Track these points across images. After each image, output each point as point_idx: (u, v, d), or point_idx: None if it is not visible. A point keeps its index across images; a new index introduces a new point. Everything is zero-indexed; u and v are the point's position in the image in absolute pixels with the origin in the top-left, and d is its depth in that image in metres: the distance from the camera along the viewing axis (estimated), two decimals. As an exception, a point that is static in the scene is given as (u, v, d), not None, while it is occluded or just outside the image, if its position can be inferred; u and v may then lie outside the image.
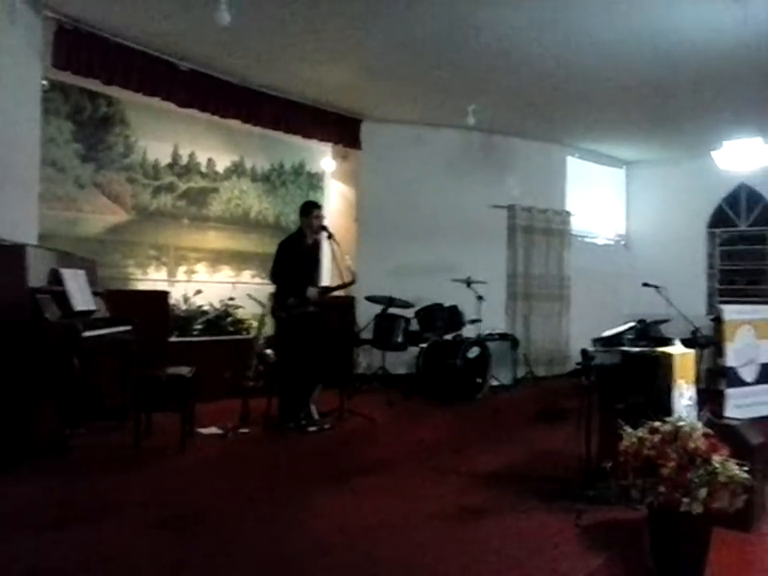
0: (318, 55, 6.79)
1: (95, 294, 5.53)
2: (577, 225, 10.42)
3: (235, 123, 7.76)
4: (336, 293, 6.29)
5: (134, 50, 6.42)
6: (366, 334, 7.90)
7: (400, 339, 7.89)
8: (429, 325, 8.08)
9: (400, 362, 8.46)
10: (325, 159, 9.31)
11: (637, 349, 4.96)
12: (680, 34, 5.79)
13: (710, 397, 6.49)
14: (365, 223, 8.95)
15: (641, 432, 3.89)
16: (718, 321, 7.35)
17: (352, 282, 6.00)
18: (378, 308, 7.96)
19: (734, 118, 5.70)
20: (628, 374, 4.80)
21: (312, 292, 5.81)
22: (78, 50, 5.99)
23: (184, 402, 5.01)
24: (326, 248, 6.96)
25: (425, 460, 5.73)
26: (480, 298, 8.29)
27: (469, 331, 8.29)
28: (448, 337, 8.08)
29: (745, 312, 7.51)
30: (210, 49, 6.58)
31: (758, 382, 7.22)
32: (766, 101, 6.49)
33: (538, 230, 9.86)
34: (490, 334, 8.51)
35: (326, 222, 6.17)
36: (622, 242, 11.32)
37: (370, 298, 7.94)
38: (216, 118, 7.50)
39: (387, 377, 8.01)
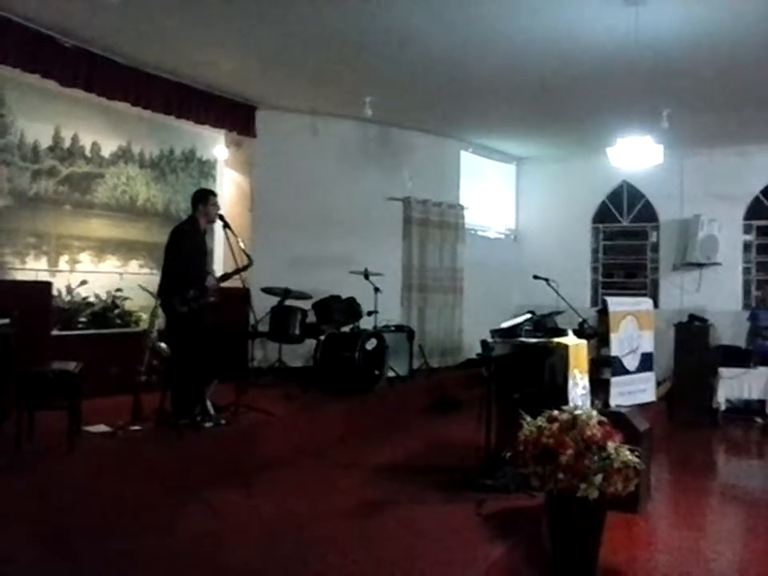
0: (213, 39, 6.54)
1: (-32, 284, 5.12)
2: (470, 218, 10.61)
3: (123, 106, 7.36)
4: (231, 283, 6.09)
5: (12, 22, 5.91)
6: (263, 327, 7.72)
7: (297, 331, 7.78)
8: (326, 317, 8.00)
9: (297, 355, 8.34)
10: (218, 146, 9.03)
11: (534, 340, 5.10)
12: (572, 34, 5.95)
13: (594, 385, 6.80)
14: (260, 213, 8.76)
15: (540, 421, 4.00)
16: (603, 312, 7.72)
17: (249, 265, 5.86)
18: (274, 300, 7.81)
19: (617, 118, 5.97)
20: (526, 364, 4.93)
21: (211, 281, 5.62)
22: (-54, 19, 5.51)
23: (71, 399, 4.71)
24: (218, 237, 6.75)
25: (324, 454, 5.69)
26: (377, 289, 8.30)
27: (366, 323, 8.28)
28: (345, 329, 8.04)
29: (627, 304, 7.91)
30: (98, 26, 6.18)
31: (639, 370, 7.64)
32: (653, 101, 6.81)
33: (433, 223, 9.97)
34: (387, 326, 8.53)
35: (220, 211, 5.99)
36: (512, 236, 11.65)
37: (266, 290, 7.79)
38: (102, 99, 7.08)
39: (284, 370, 7.88)
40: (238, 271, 5.81)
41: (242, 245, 5.96)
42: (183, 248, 5.60)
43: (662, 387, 8.85)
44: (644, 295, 9.83)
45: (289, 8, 5.72)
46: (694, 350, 8.41)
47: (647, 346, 7.91)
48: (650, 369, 7.89)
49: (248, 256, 5.87)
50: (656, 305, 9.66)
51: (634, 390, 7.60)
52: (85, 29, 6.26)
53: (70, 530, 3.77)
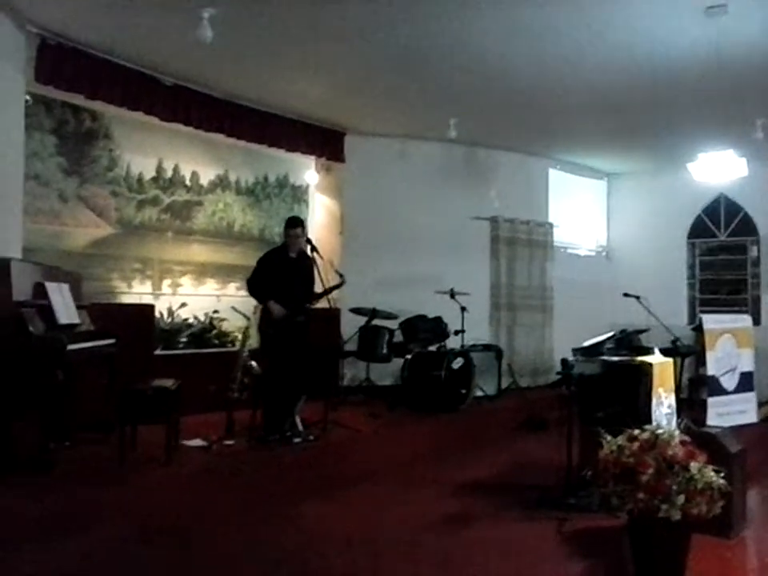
0: (300, 69, 6.85)
1: (79, 307, 5.53)
2: (559, 236, 10.52)
3: (219, 136, 7.80)
4: (321, 304, 6.30)
5: (117, 65, 6.45)
6: (351, 346, 7.93)
7: (384, 351, 7.93)
8: (413, 336, 8.12)
9: (385, 374, 8.49)
10: (309, 172, 9.34)
11: (616, 358, 5.02)
12: (654, 48, 5.90)
13: (692, 405, 6.57)
14: (349, 236, 9.00)
15: (620, 440, 3.95)
16: (699, 330, 7.48)
17: (341, 284, 6.06)
18: (362, 320, 8.00)
19: (707, 130, 5.84)
20: (608, 383, 4.85)
21: (275, 309, 5.81)
22: (61, 64, 6.01)
23: (168, 415, 5.02)
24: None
25: (409, 471, 5.76)
26: (464, 309, 8.35)
27: (453, 342, 8.34)
28: (432, 348, 8.11)
29: (725, 321, 7.65)
30: (193, 63, 6.63)
31: (738, 390, 7.34)
32: (737, 114, 6.61)
33: (521, 242, 9.94)
34: (474, 345, 8.55)
35: (309, 235, 6.22)
36: (604, 253, 11.44)
37: (354, 310, 7.99)
38: (200, 131, 7.53)
39: (372, 388, 8.03)
40: (330, 290, 6.01)
41: (334, 265, 6.20)
42: (260, 271, 5.98)
43: (766, 408, 8.44)
44: (745, 312, 9.41)
45: (372, 36, 5.95)
46: (798, 369, 7.99)
47: (747, 364, 7.59)
48: (750, 389, 7.56)
49: (341, 275, 6.08)
50: (758, 322, 9.25)
51: (733, 411, 7.31)
52: (181, 67, 6.72)
53: (167, 532, 4.02)
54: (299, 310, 5.86)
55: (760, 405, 7.84)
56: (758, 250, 10.09)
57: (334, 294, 6.17)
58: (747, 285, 10.28)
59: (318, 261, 6.01)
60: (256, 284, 5.99)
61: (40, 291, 5.02)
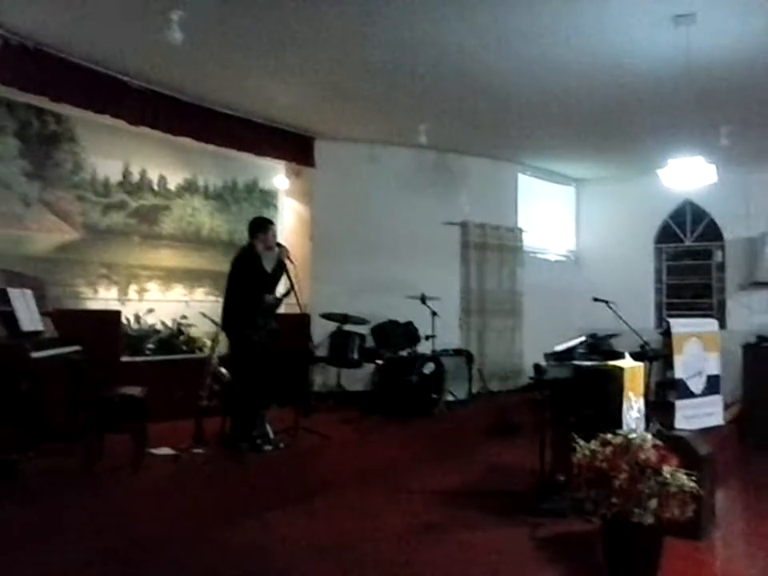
0: (270, 74, 6.79)
1: (43, 313, 5.39)
2: (529, 241, 10.58)
3: (187, 140, 7.69)
4: (291, 309, 6.24)
5: (83, 67, 6.32)
6: (322, 352, 7.87)
7: (356, 356, 7.89)
8: (384, 341, 8.10)
9: (356, 379, 8.43)
10: (278, 177, 9.27)
11: (588, 363, 5.05)
12: (624, 56, 5.96)
13: (660, 409, 6.63)
14: (319, 240, 8.95)
15: (593, 445, 3.97)
16: (666, 334, 7.55)
17: (290, 290, 5.90)
18: (333, 325, 7.94)
19: (674, 138, 5.92)
20: (580, 387, 4.88)
21: (269, 298, 5.71)
22: (25, 66, 5.87)
23: (136, 423, 4.92)
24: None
25: (381, 478, 5.73)
26: (434, 314, 8.35)
27: (424, 347, 8.33)
28: (403, 353, 8.10)
29: (692, 325, 7.72)
30: (161, 66, 6.52)
31: (705, 393, 7.42)
32: (703, 121, 6.72)
33: (491, 247, 9.98)
34: (445, 350, 8.55)
35: (279, 240, 6.14)
36: (573, 258, 11.53)
37: (325, 315, 7.93)
38: (168, 135, 7.42)
39: (343, 394, 7.98)
40: (281, 298, 5.91)
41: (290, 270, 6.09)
42: (247, 276, 5.72)
43: (732, 410, 8.55)
44: (711, 316, 9.54)
45: (342, 42, 5.92)
46: (763, 371, 8.12)
47: (713, 368, 7.68)
48: (716, 392, 7.65)
49: (291, 280, 5.93)
50: (724, 326, 9.39)
51: (701, 414, 7.37)
52: (149, 70, 6.60)
53: (134, 542, 3.93)
54: (274, 316, 5.79)
55: (727, 407, 7.94)
56: (723, 255, 10.26)
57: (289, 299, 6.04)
58: (712, 289, 10.44)
59: (289, 265, 5.93)
60: (248, 291, 5.72)
61: (2, 297, 4.88)
